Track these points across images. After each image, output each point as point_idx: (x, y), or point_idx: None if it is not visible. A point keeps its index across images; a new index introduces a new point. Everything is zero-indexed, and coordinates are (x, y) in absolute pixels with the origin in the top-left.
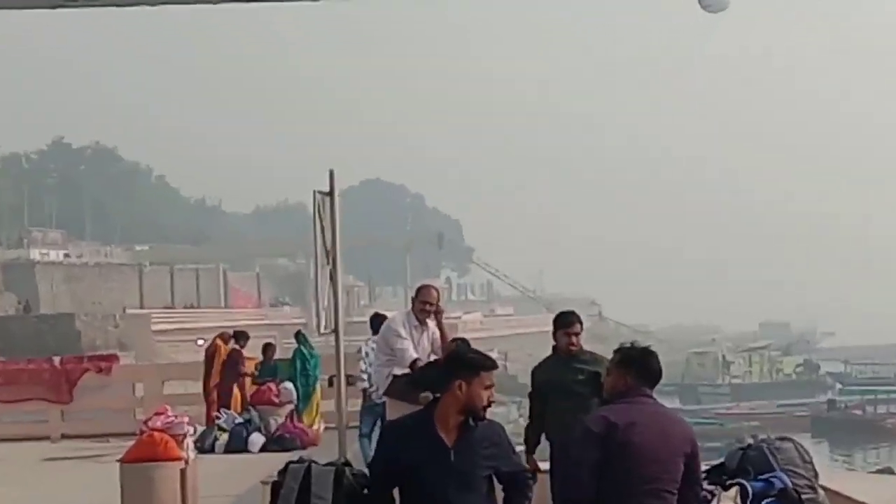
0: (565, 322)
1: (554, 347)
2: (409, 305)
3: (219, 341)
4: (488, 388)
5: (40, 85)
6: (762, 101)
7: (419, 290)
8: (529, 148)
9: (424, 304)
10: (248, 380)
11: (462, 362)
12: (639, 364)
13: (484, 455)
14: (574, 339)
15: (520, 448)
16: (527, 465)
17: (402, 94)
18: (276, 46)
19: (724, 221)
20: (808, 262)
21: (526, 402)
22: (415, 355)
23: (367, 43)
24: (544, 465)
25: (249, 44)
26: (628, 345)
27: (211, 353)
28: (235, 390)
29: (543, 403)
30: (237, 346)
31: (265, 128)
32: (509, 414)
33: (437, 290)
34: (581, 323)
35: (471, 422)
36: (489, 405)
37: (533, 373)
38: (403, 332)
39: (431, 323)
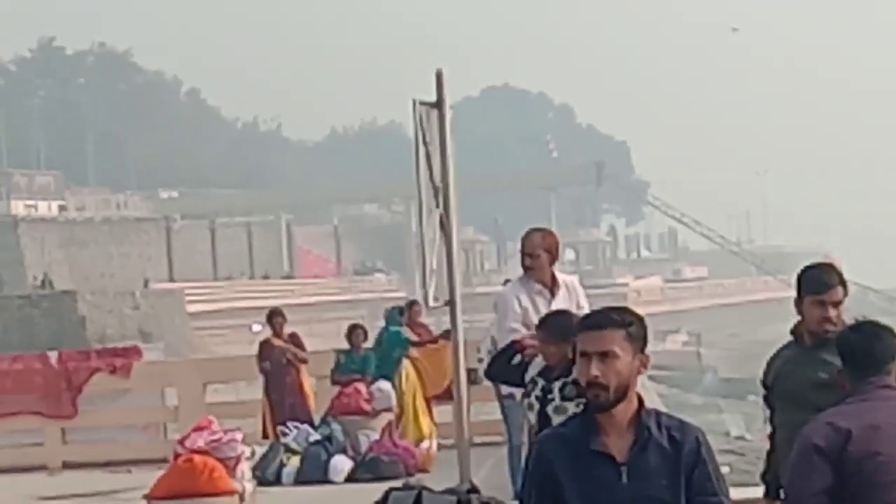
0: (818, 284)
1: (795, 327)
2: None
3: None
4: (584, 355)
5: None
6: None
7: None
8: (725, 49)
9: (524, 257)
10: (304, 376)
11: None
12: (855, 342)
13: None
14: (831, 312)
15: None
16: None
17: None
18: None
19: None
20: None
21: (741, 406)
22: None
23: None
24: None
25: None
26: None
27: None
28: (285, 393)
29: (779, 413)
30: (273, 334)
31: (343, 18)
32: (710, 423)
33: (544, 232)
34: (845, 285)
35: (647, 425)
36: (594, 382)
37: (767, 365)
38: (517, 308)
39: (569, 279)
